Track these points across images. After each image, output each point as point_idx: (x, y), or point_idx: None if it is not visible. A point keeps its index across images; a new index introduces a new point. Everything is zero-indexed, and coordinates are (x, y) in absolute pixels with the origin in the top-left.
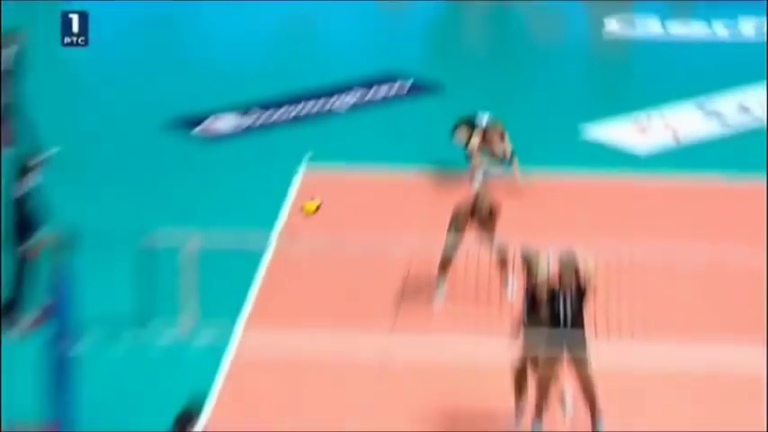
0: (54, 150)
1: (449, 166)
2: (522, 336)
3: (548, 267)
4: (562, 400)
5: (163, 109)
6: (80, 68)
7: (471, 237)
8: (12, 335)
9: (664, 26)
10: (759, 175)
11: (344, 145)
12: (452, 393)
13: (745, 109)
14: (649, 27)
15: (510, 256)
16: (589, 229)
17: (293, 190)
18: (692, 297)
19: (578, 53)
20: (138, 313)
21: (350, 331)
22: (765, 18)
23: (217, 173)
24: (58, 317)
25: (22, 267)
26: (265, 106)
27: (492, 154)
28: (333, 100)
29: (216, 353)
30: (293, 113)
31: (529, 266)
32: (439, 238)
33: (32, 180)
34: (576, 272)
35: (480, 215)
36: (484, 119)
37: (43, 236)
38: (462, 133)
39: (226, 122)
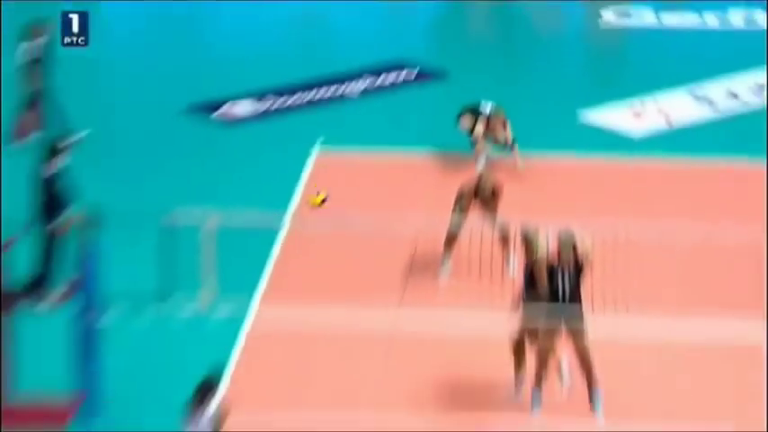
0: (83, 134)
1: (453, 149)
2: (520, 310)
3: (547, 245)
4: (559, 371)
5: (184, 95)
6: (107, 59)
7: (475, 216)
8: (41, 308)
9: (657, 17)
10: (748, 158)
11: (355, 129)
12: (456, 364)
13: (733, 95)
14: (644, 17)
15: (511, 235)
16: (586, 209)
17: (306, 172)
18: (683, 273)
19: (576, 42)
20: (160, 288)
21: (360, 305)
22: (764, 11)
23: (234, 155)
24: (85, 291)
25: (51, 244)
26: (280, 92)
27: (495, 140)
28: (344, 86)
29: (234, 326)
30: (306, 99)
31: (528, 244)
32: (444, 218)
33: (61, 161)
34: (574, 249)
35: (483, 196)
36: (487, 107)
37: (71, 214)
38: (466, 120)
39: (243, 108)
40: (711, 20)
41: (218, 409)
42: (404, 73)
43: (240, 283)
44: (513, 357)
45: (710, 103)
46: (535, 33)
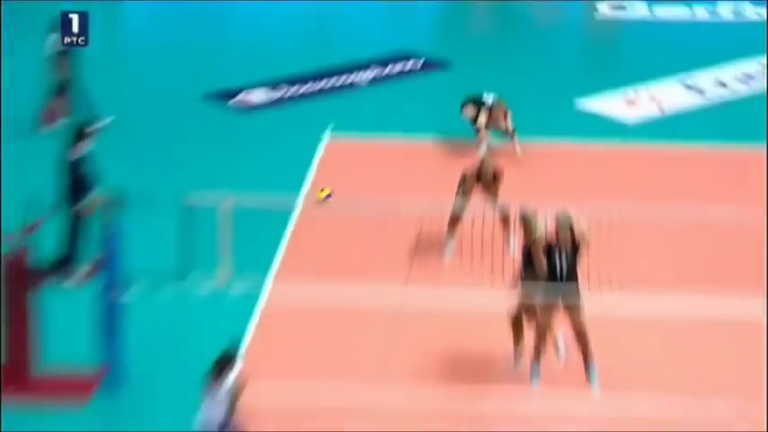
0: (108, 120)
1: (457, 136)
2: (519, 287)
3: (545, 226)
4: (556, 345)
5: (202, 84)
6: (131, 51)
7: (477, 199)
8: (67, 285)
9: (650, 9)
10: (736, 143)
11: (363, 116)
12: (459, 338)
13: (722, 83)
14: (637, 10)
15: (511, 217)
16: (583, 192)
17: (317, 156)
18: (674, 252)
19: (573, 34)
20: (179, 266)
21: (368, 283)
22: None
23: (250, 141)
24: (108, 269)
25: (76, 225)
26: (292, 81)
27: (496, 129)
28: (353, 76)
29: (249, 302)
30: (317, 88)
31: (527, 225)
32: (448, 200)
33: (86, 146)
34: (571, 230)
35: (485, 179)
36: (489, 98)
37: (95, 197)
38: (470, 110)
39: (258, 96)
40: (701, 12)
41: (235, 381)
42: (410, 63)
43: (255, 261)
44: (511, 332)
45: (700, 91)
46: (534, 26)
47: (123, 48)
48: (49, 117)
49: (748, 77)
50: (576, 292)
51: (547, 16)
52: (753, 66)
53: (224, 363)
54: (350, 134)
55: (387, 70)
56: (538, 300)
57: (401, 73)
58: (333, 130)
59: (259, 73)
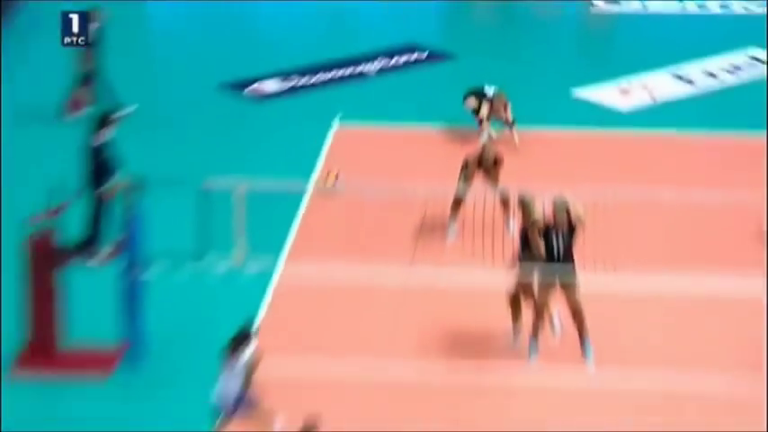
0: (132, 108)
1: (460, 124)
2: (517, 267)
3: (542, 209)
4: (551, 322)
5: (219, 74)
6: (153, 44)
7: (478, 183)
8: (91, 265)
9: (643, 4)
10: (724, 130)
11: (371, 105)
12: (462, 315)
13: (711, 74)
14: (631, 5)
15: (510, 200)
16: (579, 177)
17: (327, 143)
18: (665, 233)
19: (570, 27)
20: (197, 247)
21: (375, 262)
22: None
23: (263, 128)
24: (130, 250)
25: (99, 208)
26: (303, 72)
27: (497, 120)
28: (361, 67)
29: (263, 281)
30: (327, 78)
31: (525, 209)
32: (451, 185)
33: (109, 133)
34: (568, 213)
35: (486, 165)
36: (491, 90)
37: (117, 181)
38: (472, 102)
39: (271, 85)
40: (691, 7)
41: (251, 356)
42: (415, 55)
43: (268, 242)
44: (510, 310)
45: (690, 81)
46: (533, 20)
47: (146, 43)
48: (74, 106)
49: (735, 68)
50: (572, 271)
51: (546, 11)
52: (740, 57)
53: (241, 339)
54: (358, 122)
55: (393, 61)
56: (535, 279)
57: (407, 64)
58: (342, 118)
59: (272, 64)
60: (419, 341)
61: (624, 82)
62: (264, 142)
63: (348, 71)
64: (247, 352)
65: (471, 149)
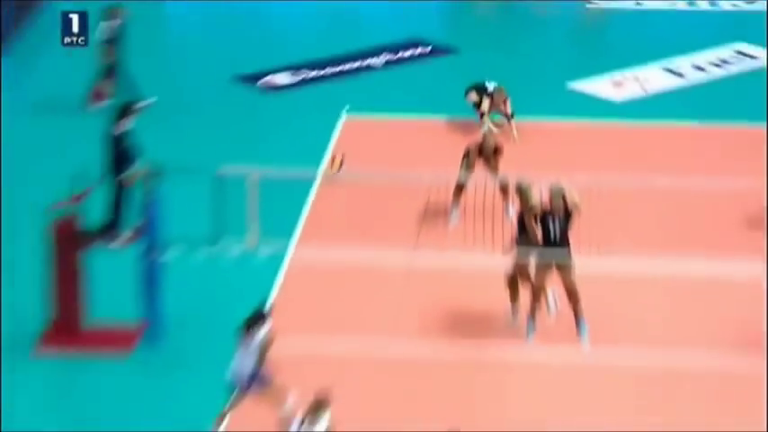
0: (152, 100)
1: (462, 115)
2: (515, 250)
3: (539, 196)
4: (548, 302)
5: (233, 68)
6: (170, 40)
7: (479, 171)
8: (112, 248)
9: (636, 1)
10: (712, 121)
11: (377, 97)
12: (463, 296)
13: (699, 68)
14: (624, 1)
15: (509, 187)
16: (574, 165)
17: (335, 133)
18: (656, 218)
19: (566, 23)
20: (212, 231)
21: (381, 246)
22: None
23: (275, 118)
24: (149, 234)
25: (120, 194)
26: (313, 66)
27: (497, 113)
28: (368, 60)
29: (275, 264)
30: (335, 71)
31: (522, 195)
32: (453, 172)
33: (129, 123)
34: (564, 199)
35: (487, 154)
36: (491, 85)
37: (137, 168)
38: (473, 96)
39: (282, 78)
40: (681, 4)
41: (265, 335)
42: (419, 49)
43: (280, 227)
44: (508, 291)
45: (680, 74)
46: (532, 16)
47: (165, 39)
48: (97, 97)
49: (723, 62)
50: (568, 254)
51: (544, 8)
52: (727, 51)
53: (256, 319)
54: (365, 113)
55: (398, 55)
56: (533, 262)
57: (411, 58)
58: (349, 109)
59: (283, 58)
60: (423, 320)
61: (617, 75)
62: (276, 132)
63: (355, 65)
64: (262, 331)
65: (473, 139)
